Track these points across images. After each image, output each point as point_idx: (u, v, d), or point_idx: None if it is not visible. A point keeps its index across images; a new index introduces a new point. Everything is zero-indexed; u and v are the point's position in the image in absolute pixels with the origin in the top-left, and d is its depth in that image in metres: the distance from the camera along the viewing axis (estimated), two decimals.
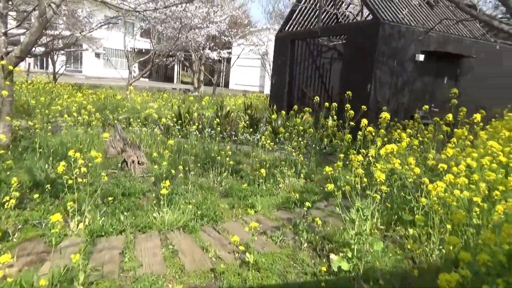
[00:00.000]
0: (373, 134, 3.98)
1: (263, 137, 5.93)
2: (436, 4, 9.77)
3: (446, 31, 8.97)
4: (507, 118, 6.36)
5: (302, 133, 7.52)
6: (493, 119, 9.66)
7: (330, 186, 3.06)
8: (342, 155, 5.09)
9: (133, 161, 5.13)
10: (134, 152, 5.20)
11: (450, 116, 4.22)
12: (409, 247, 3.25)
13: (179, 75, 39.99)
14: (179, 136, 7.88)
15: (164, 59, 24.66)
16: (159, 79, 40.95)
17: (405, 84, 8.67)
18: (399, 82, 8.56)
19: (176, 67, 38.05)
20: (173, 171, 4.60)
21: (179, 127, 7.98)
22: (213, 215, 3.90)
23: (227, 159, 5.20)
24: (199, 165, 5.73)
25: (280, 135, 6.77)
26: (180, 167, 4.63)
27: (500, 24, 4.75)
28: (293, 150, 6.15)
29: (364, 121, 4.21)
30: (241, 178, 5.58)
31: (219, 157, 5.23)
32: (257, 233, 3.29)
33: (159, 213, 3.74)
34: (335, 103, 5.65)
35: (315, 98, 6.03)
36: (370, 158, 3.67)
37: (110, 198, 3.78)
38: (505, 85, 10.09)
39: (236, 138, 8.16)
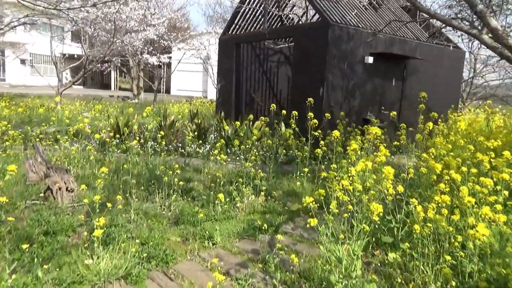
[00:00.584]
0: (357, 150, 3.49)
1: (216, 150, 5.28)
2: (380, 6, 9.77)
3: (393, 33, 8.95)
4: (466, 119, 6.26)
5: (256, 142, 6.98)
6: (439, 121, 9.86)
7: (313, 222, 2.49)
8: (306, 169, 4.59)
9: (59, 188, 4.24)
10: (61, 177, 4.31)
11: (430, 125, 3.86)
12: (398, 280, 2.80)
13: (117, 81, 37.84)
14: (118, 152, 6.97)
15: (99, 65, 22.99)
16: (95, 86, 38.43)
17: (356, 87, 8.48)
18: (350, 85, 8.35)
19: (113, 73, 35.93)
20: (108, 205, 3.80)
21: (117, 141, 7.06)
22: (162, 254, 3.18)
23: (176, 179, 4.49)
24: (142, 187, 4.94)
25: (234, 147, 6.16)
26: (119, 196, 3.85)
27: (460, 24, 4.57)
28: (248, 162, 5.57)
29: (336, 133, 3.74)
30: (193, 199, 4.89)
31: (166, 178, 4.49)
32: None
33: (93, 259, 2.96)
34: (295, 112, 5.16)
35: (272, 106, 5.50)
36: (350, 177, 3.19)
37: (25, 246, 2.91)
38: (445, 85, 10.37)
39: (183, 150, 7.41)
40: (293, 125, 5.34)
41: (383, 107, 9.19)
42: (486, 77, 14.18)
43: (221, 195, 3.58)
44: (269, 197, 5.00)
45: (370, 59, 8.30)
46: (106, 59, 21.55)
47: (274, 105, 5.52)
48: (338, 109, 8.25)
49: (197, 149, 7.30)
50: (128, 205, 4.25)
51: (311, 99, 5.46)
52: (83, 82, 36.47)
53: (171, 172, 4.56)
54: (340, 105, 8.29)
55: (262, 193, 4.80)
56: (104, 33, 16.22)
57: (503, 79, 14.02)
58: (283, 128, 8.44)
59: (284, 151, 6.79)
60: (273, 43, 11.61)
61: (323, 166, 5.19)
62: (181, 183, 4.54)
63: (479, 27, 4.78)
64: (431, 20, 10.81)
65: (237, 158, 6.82)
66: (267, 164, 6.41)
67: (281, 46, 11.66)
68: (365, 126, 6.42)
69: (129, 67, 22.13)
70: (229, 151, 7.52)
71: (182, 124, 8.73)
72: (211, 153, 7.18)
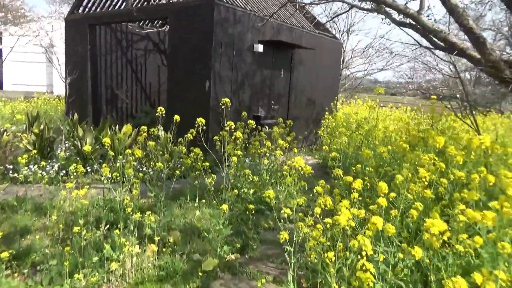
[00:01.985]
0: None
1: (70, 183, 3.31)
2: None
3: (280, 19, 8.02)
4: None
5: (125, 152, 5.13)
6: (327, 114, 9.45)
7: None
8: (222, 204, 3.07)
9: None
10: None
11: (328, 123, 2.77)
12: None
13: None
14: None
15: None
16: None
17: (246, 79, 7.28)
18: (239, 77, 7.10)
19: None
20: None
21: None
22: None
23: None
24: None
25: (94, 163, 4.27)
26: None
27: (394, 1, 3.68)
28: (123, 189, 3.77)
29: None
30: (35, 270, 2.92)
31: None
32: None
33: None
34: (194, 124, 3.61)
35: (160, 110, 3.79)
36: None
37: None
38: (327, 76, 10.07)
39: (16, 174, 5.05)
40: (189, 135, 3.77)
41: (273, 102, 8.26)
42: (353, 68, 14.75)
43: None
44: (161, 243, 3.34)
45: (260, 47, 7.19)
46: None
47: (162, 109, 3.81)
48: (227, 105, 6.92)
49: (38, 171, 5.04)
50: None
51: (226, 100, 3.97)
52: None
53: None
54: (230, 100, 6.97)
55: (153, 245, 3.11)
56: None
57: (366, 71, 14.83)
58: (161, 132, 6.72)
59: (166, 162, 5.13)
60: (138, 27, 9.59)
61: (227, 195, 3.77)
62: (4, 254, 2.53)
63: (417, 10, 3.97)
64: (309, 7, 10.36)
65: (102, 178, 4.89)
66: (147, 185, 4.68)
67: (148, 30, 9.73)
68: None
69: None
70: (89, 169, 5.49)
71: (15, 134, 6.19)
72: (60, 174, 5.06)
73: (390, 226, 1.68)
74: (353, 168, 3.48)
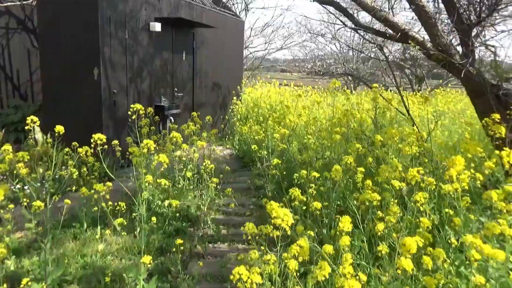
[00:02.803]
0: None
1: None
2: None
3: None
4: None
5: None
6: (234, 98, 8.80)
7: None
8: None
9: None
10: None
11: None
12: None
13: None
14: None
15: None
16: None
17: (143, 64, 6.21)
18: (135, 62, 6.00)
19: None
20: None
21: None
22: None
23: None
24: None
25: None
26: None
27: None
28: None
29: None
30: None
31: None
32: None
33: None
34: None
35: (31, 121, 2.64)
36: None
37: None
38: (232, 57, 9.41)
39: None
40: (82, 151, 2.76)
41: (176, 89, 7.30)
42: (253, 48, 14.33)
43: None
44: None
45: (158, 26, 6.14)
46: None
47: (35, 118, 2.66)
48: (123, 96, 5.82)
49: None
50: None
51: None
52: None
53: None
54: (126, 90, 5.87)
55: None
56: None
57: (267, 50, 14.55)
58: (38, 135, 5.35)
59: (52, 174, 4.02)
60: None
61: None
62: None
63: None
64: None
65: None
66: (24, 209, 3.51)
67: (9, 3, 7.76)
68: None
69: None
70: None
71: None
72: None
73: None
74: (296, 175, 2.92)
